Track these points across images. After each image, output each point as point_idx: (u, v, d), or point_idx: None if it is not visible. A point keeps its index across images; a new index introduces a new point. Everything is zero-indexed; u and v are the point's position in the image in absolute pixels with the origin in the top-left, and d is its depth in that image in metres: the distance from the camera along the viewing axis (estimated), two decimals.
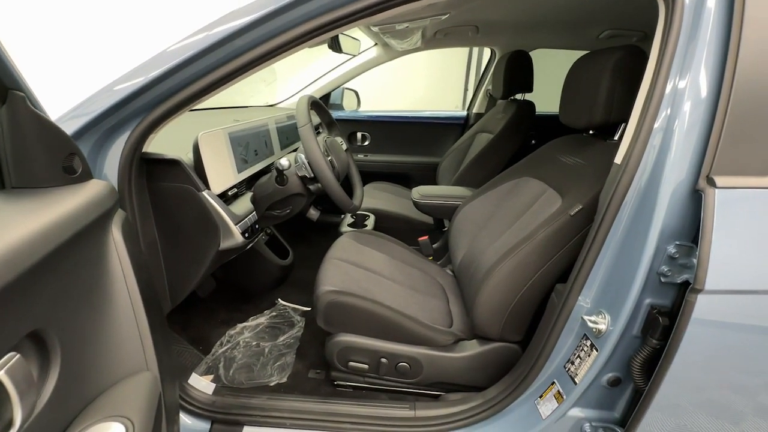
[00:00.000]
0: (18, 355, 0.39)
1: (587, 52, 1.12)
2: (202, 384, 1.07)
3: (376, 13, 0.76)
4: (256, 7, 0.73)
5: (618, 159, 0.79)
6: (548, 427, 0.88)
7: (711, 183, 0.65)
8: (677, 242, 0.69)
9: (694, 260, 0.66)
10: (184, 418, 0.99)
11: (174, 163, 0.95)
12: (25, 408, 0.40)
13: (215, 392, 1.06)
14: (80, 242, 0.51)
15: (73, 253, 0.50)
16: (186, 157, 1.01)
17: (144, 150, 0.85)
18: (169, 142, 0.99)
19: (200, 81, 0.78)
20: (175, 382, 0.83)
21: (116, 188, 0.77)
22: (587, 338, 0.82)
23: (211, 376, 1.27)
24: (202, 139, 1.03)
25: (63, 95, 0.74)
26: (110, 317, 0.58)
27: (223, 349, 1.41)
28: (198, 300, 1.63)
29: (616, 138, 1.07)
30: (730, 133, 0.65)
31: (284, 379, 1.28)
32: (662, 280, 0.71)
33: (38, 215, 0.46)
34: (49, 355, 0.46)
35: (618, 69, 0.96)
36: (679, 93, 0.69)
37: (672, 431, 0.77)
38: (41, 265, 0.42)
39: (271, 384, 1.26)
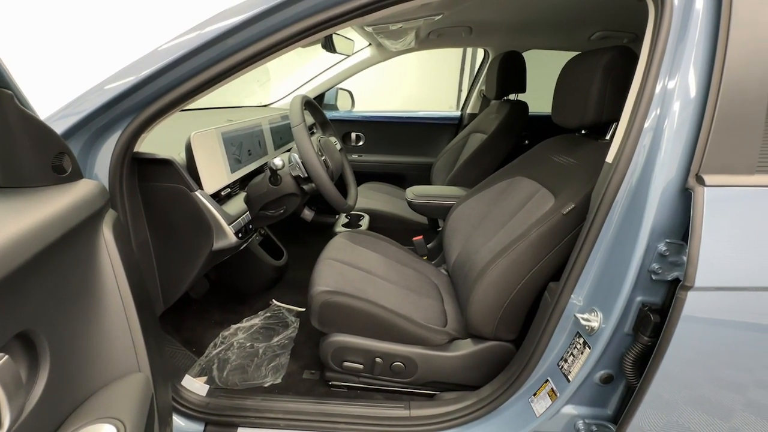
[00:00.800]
0: (6, 356, 0.39)
1: (579, 52, 1.13)
2: (195, 386, 1.06)
3: (370, 12, 0.76)
4: (249, 6, 0.73)
5: (609, 158, 0.80)
6: (542, 424, 0.89)
7: (700, 181, 0.66)
8: (667, 240, 0.70)
9: (684, 258, 0.67)
10: (178, 420, 0.99)
11: (166, 163, 0.94)
12: (14, 410, 0.39)
13: (209, 394, 1.05)
14: (70, 242, 0.51)
15: (62, 253, 0.49)
16: (178, 157, 1.01)
17: (135, 150, 0.84)
18: (161, 141, 0.98)
19: (192, 80, 0.78)
20: (168, 383, 0.83)
21: (107, 188, 0.76)
22: (580, 336, 0.83)
23: (205, 378, 1.26)
24: (194, 138, 1.02)
25: (53, 94, 0.73)
26: (101, 318, 0.57)
27: (217, 350, 1.40)
28: (191, 301, 1.62)
29: (607, 138, 1.08)
30: (719, 133, 0.66)
31: (278, 380, 1.27)
32: (653, 277, 0.72)
33: (27, 215, 0.45)
34: (38, 356, 0.45)
35: (609, 69, 0.97)
36: (669, 93, 0.70)
37: (663, 427, 0.78)
38: (30, 265, 0.42)
39: (266, 385, 1.26)
